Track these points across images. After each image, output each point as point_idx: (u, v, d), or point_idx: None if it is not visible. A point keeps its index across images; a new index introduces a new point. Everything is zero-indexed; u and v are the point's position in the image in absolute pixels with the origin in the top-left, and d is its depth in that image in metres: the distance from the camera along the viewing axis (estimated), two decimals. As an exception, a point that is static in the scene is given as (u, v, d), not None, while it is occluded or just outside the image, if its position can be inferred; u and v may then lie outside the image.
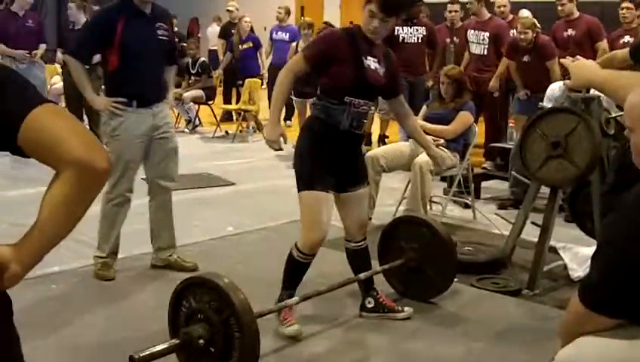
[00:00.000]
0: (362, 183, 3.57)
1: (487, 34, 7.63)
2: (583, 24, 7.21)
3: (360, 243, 3.64)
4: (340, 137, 3.37)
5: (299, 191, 3.35)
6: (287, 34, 10.59)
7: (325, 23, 9.36)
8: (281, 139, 3.42)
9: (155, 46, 4.08)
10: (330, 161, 3.36)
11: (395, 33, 7.52)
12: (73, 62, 4.08)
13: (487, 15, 7.76)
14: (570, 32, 7.25)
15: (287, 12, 10.66)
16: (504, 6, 7.99)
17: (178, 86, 9.56)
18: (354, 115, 3.37)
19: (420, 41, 7.65)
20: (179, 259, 4.33)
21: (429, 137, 5.45)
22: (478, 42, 7.71)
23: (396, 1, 3.32)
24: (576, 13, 7.28)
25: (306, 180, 3.33)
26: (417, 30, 7.63)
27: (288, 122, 10.71)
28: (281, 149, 3.51)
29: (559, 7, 7.30)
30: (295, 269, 3.42)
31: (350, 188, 3.51)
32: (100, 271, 4.15)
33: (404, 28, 7.57)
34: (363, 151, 3.77)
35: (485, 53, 7.68)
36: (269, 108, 3.44)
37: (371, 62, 3.41)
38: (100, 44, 4.03)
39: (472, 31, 7.79)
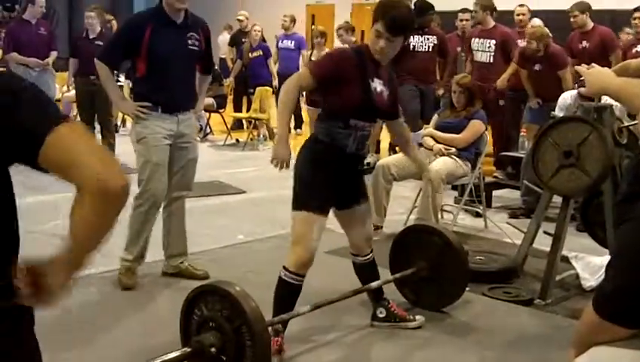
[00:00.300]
0: (364, 198, 3.56)
1: (493, 41, 7.62)
2: (596, 36, 7.19)
3: (367, 257, 3.63)
4: (344, 160, 3.34)
5: (293, 209, 3.31)
6: (293, 42, 10.63)
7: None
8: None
9: (184, 55, 4.08)
10: (333, 182, 3.31)
11: (407, 42, 7.51)
12: (101, 66, 4.09)
13: (492, 23, 7.77)
14: (584, 43, 7.25)
15: (293, 20, 10.70)
16: (523, 14, 7.97)
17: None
18: (359, 139, 3.34)
19: (431, 50, 7.65)
20: (190, 266, 4.34)
21: (441, 145, 5.49)
22: (484, 50, 7.70)
23: (403, 21, 3.26)
24: (590, 25, 7.26)
25: (302, 201, 3.28)
26: (429, 39, 7.63)
27: (298, 130, 10.75)
28: (287, 168, 3.29)
29: (572, 19, 7.29)
30: (284, 292, 3.28)
31: (353, 205, 3.48)
32: (123, 276, 4.13)
33: (416, 37, 7.58)
34: (374, 160, 3.76)
35: (491, 60, 7.66)
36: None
37: (377, 85, 3.36)
38: (127, 50, 4.05)
39: (477, 39, 7.79)
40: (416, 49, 7.60)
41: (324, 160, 3.30)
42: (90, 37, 8.37)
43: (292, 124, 10.97)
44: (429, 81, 7.74)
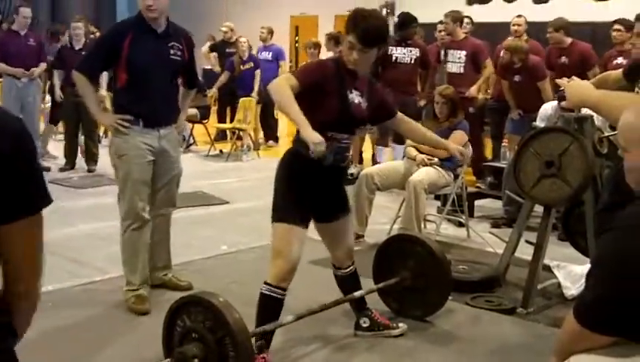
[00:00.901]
0: (345, 211, 3.52)
1: (464, 52, 7.70)
2: (575, 52, 7.26)
3: (349, 270, 3.62)
4: (323, 172, 3.28)
5: (272, 221, 3.27)
6: (270, 53, 10.70)
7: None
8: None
9: (166, 65, 3.96)
10: (312, 195, 3.26)
11: (389, 53, 7.58)
12: (79, 77, 3.96)
13: (462, 35, 7.87)
14: (564, 59, 7.31)
15: (270, 32, 10.78)
16: (519, 25, 7.99)
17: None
18: (338, 150, 3.28)
19: (413, 61, 7.70)
20: (174, 278, 4.29)
21: (424, 155, 5.52)
22: (454, 61, 7.77)
23: (375, 32, 3.22)
24: (568, 41, 7.33)
25: (280, 213, 3.25)
26: (411, 51, 7.69)
27: (271, 142, 10.83)
28: (327, 148, 3.08)
29: (548, 35, 7.37)
30: (267, 307, 3.22)
31: (333, 218, 3.45)
32: (135, 305, 3.94)
33: (398, 48, 7.64)
34: (358, 171, 3.75)
35: (462, 71, 7.72)
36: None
37: (355, 97, 3.32)
38: (107, 60, 3.95)
39: (448, 50, 7.87)
40: (398, 60, 7.66)
41: (302, 172, 3.26)
42: (76, 48, 8.37)
43: (261, 134, 11.07)
44: (410, 93, 7.79)
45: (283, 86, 3.12)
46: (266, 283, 3.22)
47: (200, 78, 11.53)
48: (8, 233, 1.35)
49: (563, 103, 4.65)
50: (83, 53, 8.34)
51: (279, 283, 3.20)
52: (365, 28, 3.19)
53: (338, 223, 3.48)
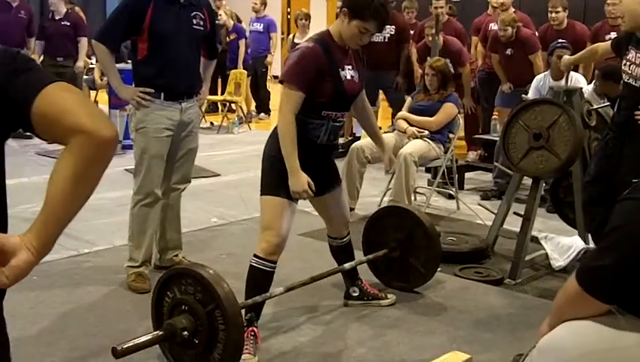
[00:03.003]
0: (337, 182, 3.53)
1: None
2: (572, 35, 7.10)
3: (344, 239, 3.66)
4: (316, 150, 3.28)
5: (261, 194, 3.25)
6: (262, 25, 10.62)
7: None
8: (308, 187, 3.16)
9: (189, 35, 3.81)
10: (304, 170, 3.18)
11: None
12: (99, 48, 3.77)
13: (446, 17, 7.89)
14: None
15: (263, 3, 10.66)
16: None
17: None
18: (332, 129, 3.27)
19: (387, 40, 7.64)
20: (184, 259, 4.18)
21: (414, 128, 5.53)
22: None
23: (386, 16, 3.21)
24: (565, 22, 7.21)
25: (271, 186, 3.22)
26: (385, 29, 7.62)
27: (262, 115, 10.80)
28: (312, 193, 3.19)
29: (552, 14, 7.17)
30: (256, 280, 3.19)
31: (327, 191, 3.43)
32: (134, 282, 3.87)
33: None
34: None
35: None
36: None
37: (347, 72, 3.28)
38: (129, 29, 3.75)
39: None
40: (374, 40, 7.59)
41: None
42: (56, 18, 8.30)
43: (253, 106, 11.04)
44: (385, 69, 7.71)
45: (288, 122, 3.11)
46: (255, 255, 3.21)
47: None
48: (39, 108, 1.29)
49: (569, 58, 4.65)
50: (64, 22, 8.29)
51: (269, 257, 3.19)
52: (384, 18, 3.19)
53: (332, 195, 3.49)
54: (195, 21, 3.85)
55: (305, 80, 3.13)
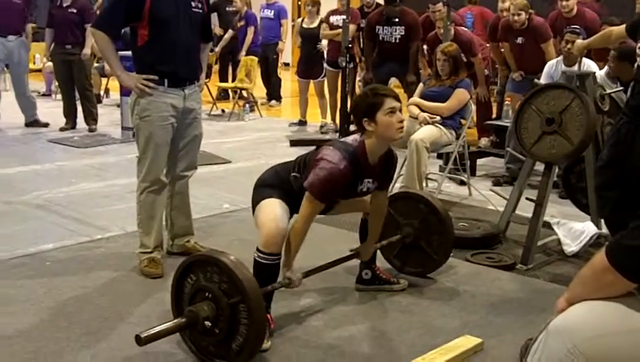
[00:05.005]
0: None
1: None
2: (583, 22, 7.04)
3: None
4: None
5: (253, 208, 3.30)
6: (273, 11, 10.60)
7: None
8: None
9: (189, 18, 3.79)
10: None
11: (376, 31, 7.63)
12: (99, 35, 3.72)
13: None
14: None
15: None
16: None
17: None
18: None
19: (398, 41, 7.60)
20: (196, 244, 4.19)
21: (426, 114, 5.51)
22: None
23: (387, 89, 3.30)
24: (575, 10, 7.15)
25: (262, 197, 3.28)
26: (396, 30, 7.60)
27: (273, 102, 10.78)
28: (301, 282, 3.29)
29: (563, 2, 7.15)
30: (261, 274, 3.10)
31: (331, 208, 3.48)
32: (147, 268, 3.88)
33: (385, 28, 7.60)
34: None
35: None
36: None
37: (365, 185, 3.31)
38: (128, 15, 3.69)
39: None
40: (385, 40, 7.61)
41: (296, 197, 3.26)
42: (64, 5, 8.29)
43: (265, 93, 11.04)
44: (398, 62, 7.71)
45: (309, 221, 3.19)
46: (257, 250, 3.16)
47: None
48: None
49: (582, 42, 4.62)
50: (71, 10, 8.29)
51: (270, 249, 3.12)
52: (389, 90, 3.25)
53: (338, 202, 3.47)
54: (193, 4, 3.83)
55: (329, 196, 3.21)
